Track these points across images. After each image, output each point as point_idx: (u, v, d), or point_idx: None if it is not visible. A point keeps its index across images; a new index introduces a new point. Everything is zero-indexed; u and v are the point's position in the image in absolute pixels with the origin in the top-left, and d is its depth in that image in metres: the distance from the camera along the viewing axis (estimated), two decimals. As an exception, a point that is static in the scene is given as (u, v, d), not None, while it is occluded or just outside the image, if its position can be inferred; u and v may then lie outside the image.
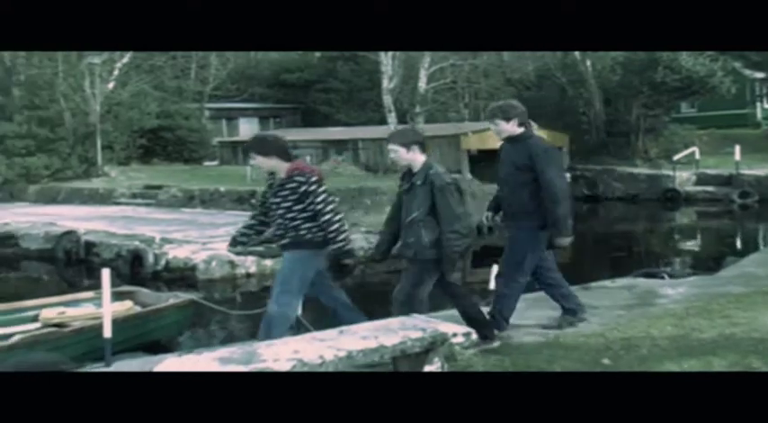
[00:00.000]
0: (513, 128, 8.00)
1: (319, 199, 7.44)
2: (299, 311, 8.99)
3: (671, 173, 35.14)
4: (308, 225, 7.50)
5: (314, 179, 7.47)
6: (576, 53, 39.53)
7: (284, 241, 7.65)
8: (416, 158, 7.45)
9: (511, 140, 8.10)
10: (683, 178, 35.16)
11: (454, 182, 7.46)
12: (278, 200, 7.56)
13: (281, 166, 7.60)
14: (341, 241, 7.55)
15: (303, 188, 7.42)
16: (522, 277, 8.12)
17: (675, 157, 35.82)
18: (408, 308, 7.29)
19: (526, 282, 8.20)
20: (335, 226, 7.45)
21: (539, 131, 37.54)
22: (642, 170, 37.24)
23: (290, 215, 7.51)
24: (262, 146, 7.77)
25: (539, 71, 44.37)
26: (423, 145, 7.55)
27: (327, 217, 7.41)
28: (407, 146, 7.43)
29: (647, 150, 39.51)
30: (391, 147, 7.48)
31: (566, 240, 7.83)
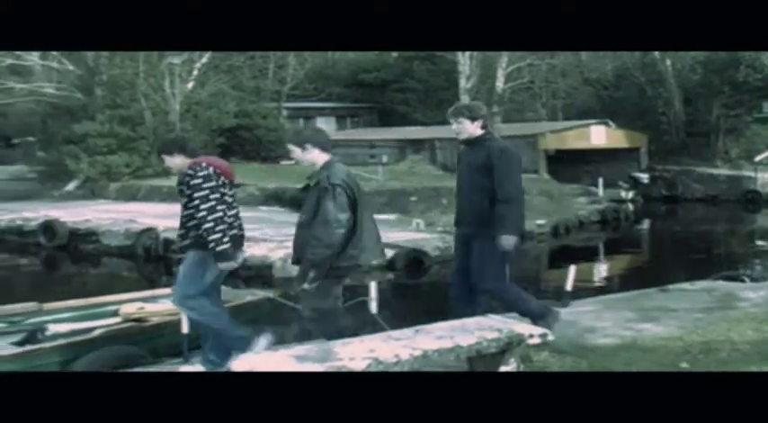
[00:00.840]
0: (475, 129, 7.73)
1: (197, 194, 7.14)
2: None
3: (752, 174, 34.56)
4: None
5: (201, 173, 7.16)
6: (656, 52, 39.04)
7: (184, 243, 7.49)
8: (315, 158, 7.04)
9: (470, 143, 7.83)
10: (765, 179, 34.53)
11: (344, 183, 6.82)
12: (182, 199, 7.43)
13: (184, 163, 7.43)
14: (210, 242, 7.10)
15: (189, 182, 7.22)
16: (502, 281, 7.70)
17: (757, 158, 35.23)
18: (321, 325, 6.99)
19: (507, 278, 7.77)
20: (206, 225, 7.06)
21: (617, 131, 37.38)
22: (722, 171, 36.69)
23: (185, 213, 7.39)
24: (163, 147, 7.78)
25: (617, 71, 43.93)
26: (324, 144, 7.08)
27: (201, 214, 7.10)
28: (301, 145, 7.04)
29: (727, 151, 38.90)
30: (287, 146, 7.17)
31: (510, 240, 7.38)
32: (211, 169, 7.21)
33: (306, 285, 6.80)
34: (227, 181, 7.38)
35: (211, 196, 7.13)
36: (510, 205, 7.42)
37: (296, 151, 7.08)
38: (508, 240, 7.38)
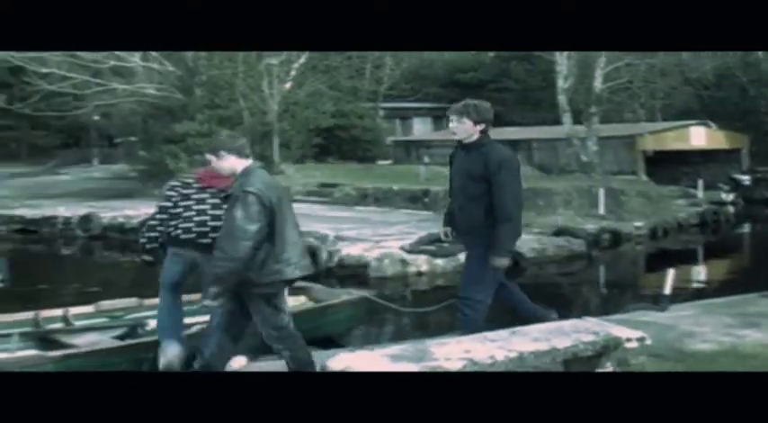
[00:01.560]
0: (475, 131, 7.39)
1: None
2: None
3: None
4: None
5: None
6: (759, 52, 38.24)
7: None
8: (232, 165, 6.75)
9: (466, 147, 7.48)
10: None
11: (259, 192, 6.40)
12: None
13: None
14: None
15: None
16: (483, 296, 7.44)
17: None
18: (284, 343, 6.82)
19: (489, 301, 7.49)
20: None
21: (717, 132, 36.67)
22: (828, 173, 35.78)
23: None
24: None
25: (718, 70, 43.08)
26: (239, 150, 6.81)
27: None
28: (215, 152, 6.83)
29: (832, 152, 37.97)
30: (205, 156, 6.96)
31: (503, 262, 7.26)
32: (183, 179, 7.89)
33: (207, 301, 6.44)
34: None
35: (165, 201, 7.89)
36: (509, 226, 7.22)
37: (212, 159, 6.88)
38: (501, 262, 7.27)
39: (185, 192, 7.81)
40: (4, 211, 28.48)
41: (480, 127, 7.35)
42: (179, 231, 7.77)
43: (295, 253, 6.54)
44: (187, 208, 7.76)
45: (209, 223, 7.65)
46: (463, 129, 7.38)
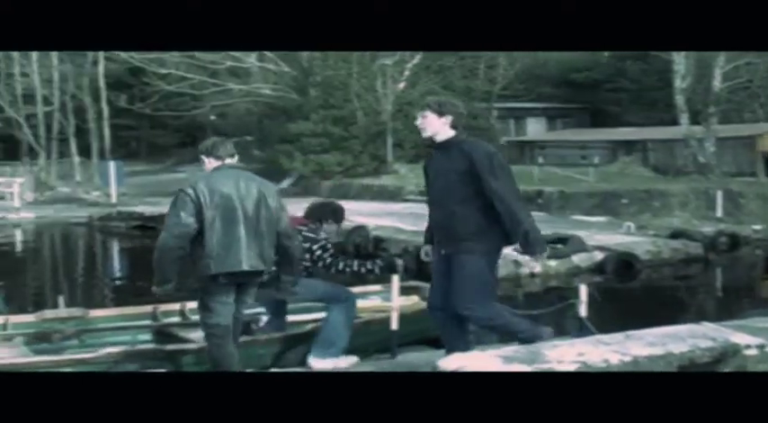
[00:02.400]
0: (442, 127, 6.82)
1: None
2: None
3: None
4: None
5: None
6: None
7: None
8: (209, 167, 7.09)
9: (442, 147, 6.92)
10: None
11: (193, 190, 6.71)
12: None
13: None
14: None
15: None
16: (492, 305, 6.94)
17: None
18: (211, 341, 6.99)
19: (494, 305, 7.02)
20: None
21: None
22: None
23: None
24: None
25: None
26: (216, 154, 7.08)
27: None
28: (202, 155, 7.18)
29: None
30: None
31: (544, 255, 6.91)
32: None
33: (153, 288, 6.85)
34: None
35: None
36: (521, 218, 6.60)
37: (204, 162, 7.18)
38: (543, 256, 7.01)
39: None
40: (124, 208, 29.21)
41: (445, 120, 6.79)
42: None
43: (222, 248, 6.64)
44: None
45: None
46: (427, 123, 6.85)
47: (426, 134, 6.90)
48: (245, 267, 6.71)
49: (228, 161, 7.13)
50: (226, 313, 6.86)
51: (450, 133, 6.82)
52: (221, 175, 6.92)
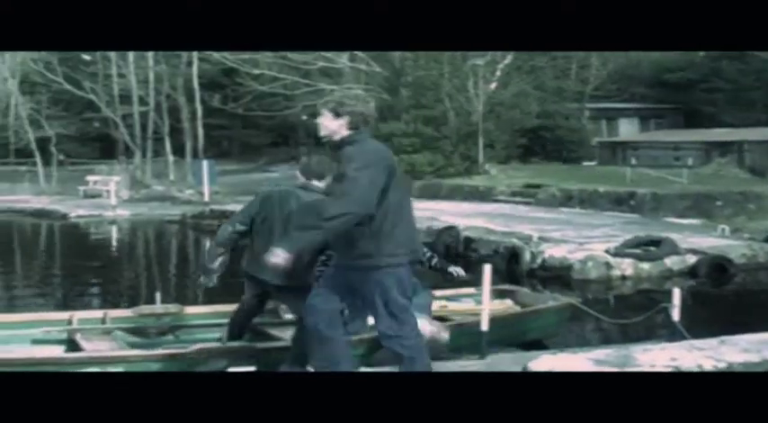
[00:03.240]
0: (339, 128, 6.15)
1: None
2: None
3: None
4: None
5: None
6: None
7: None
8: None
9: (336, 148, 6.24)
10: None
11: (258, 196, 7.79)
12: None
13: None
14: None
15: None
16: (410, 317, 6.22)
17: None
18: None
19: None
20: None
21: None
22: None
23: None
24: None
25: None
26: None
27: None
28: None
29: None
30: None
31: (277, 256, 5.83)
32: None
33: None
34: None
35: None
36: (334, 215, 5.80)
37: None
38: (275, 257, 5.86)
39: None
40: (216, 207, 29.59)
41: (342, 121, 6.14)
42: None
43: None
44: None
45: None
46: (322, 124, 6.25)
47: (322, 134, 6.29)
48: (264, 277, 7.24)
49: (315, 183, 7.44)
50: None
51: (345, 133, 6.16)
52: (288, 192, 7.46)
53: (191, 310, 9.66)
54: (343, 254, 6.20)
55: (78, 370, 6.92)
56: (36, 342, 8.69)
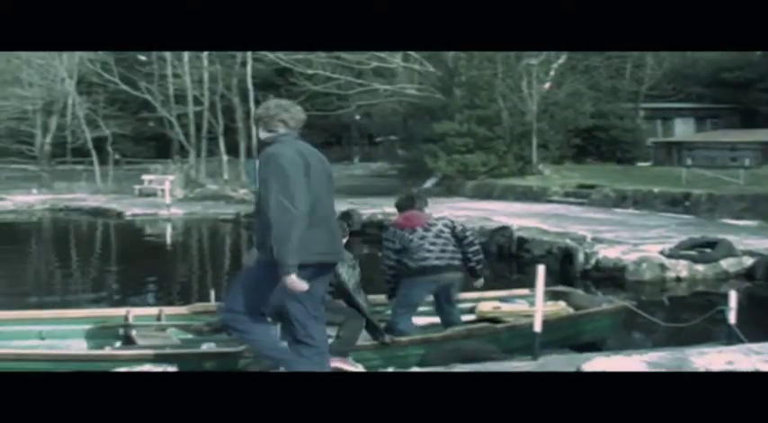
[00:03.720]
0: (261, 133, 6.39)
1: None
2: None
3: None
4: None
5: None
6: None
7: None
8: None
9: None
10: None
11: None
12: None
13: None
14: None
15: None
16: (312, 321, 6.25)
17: None
18: None
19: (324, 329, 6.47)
20: None
21: None
22: None
23: None
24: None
25: None
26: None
27: None
28: None
29: None
30: None
31: (288, 280, 5.85)
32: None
33: None
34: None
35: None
36: (273, 232, 5.87)
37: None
38: (288, 281, 5.87)
39: (408, 237, 9.14)
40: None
41: (262, 127, 6.39)
42: (423, 262, 9.05)
43: None
44: (419, 246, 9.09)
45: (445, 249, 9.15)
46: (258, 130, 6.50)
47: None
48: None
49: None
50: None
51: (264, 135, 6.37)
52: None
53: None
54: (262, 252, 6.19)
55: (131, 367, 7.02)
56: (92, 338, 8.81)
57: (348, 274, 7.94)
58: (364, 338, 8.52)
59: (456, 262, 9.20)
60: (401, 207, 9.54)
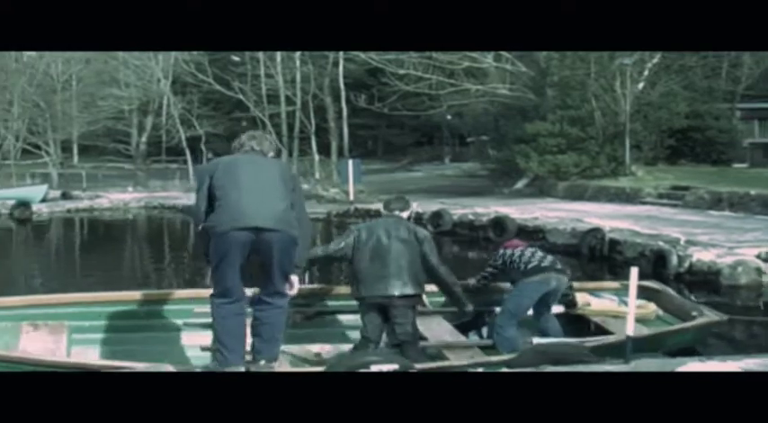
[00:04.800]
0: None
1: None
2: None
3: None
4: None
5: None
6: None
7: None
8: None
9: None
10: None
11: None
12: None
13: None
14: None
15: None
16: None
17: None
18: None
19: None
20: None
21: None
22: None
23: None
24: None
25: None
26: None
27: None
28: None
29: None
30: None
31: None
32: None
33: None
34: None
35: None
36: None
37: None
38: None
39: (512, 256, 9.65)
40: (360, 206, 29.93)
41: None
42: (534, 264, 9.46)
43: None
44: (523, 256, 9.60)
45: (545, 256, 9.68)
46: None
47: None
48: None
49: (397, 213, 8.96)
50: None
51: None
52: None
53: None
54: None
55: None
56: (188, 327, 9.03)
57: (428, 248, 8.58)
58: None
59: (559, 266, 9.54)
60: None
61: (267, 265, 7.02)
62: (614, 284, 10.71)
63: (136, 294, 9.76)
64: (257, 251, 6.96)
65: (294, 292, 7.37)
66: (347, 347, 8.74)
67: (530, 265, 9.39)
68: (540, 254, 9.63)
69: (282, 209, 7.00)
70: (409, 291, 8.31)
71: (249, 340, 7.23)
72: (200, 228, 7.19)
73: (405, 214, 8.91)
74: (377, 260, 8.36)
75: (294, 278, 7.30)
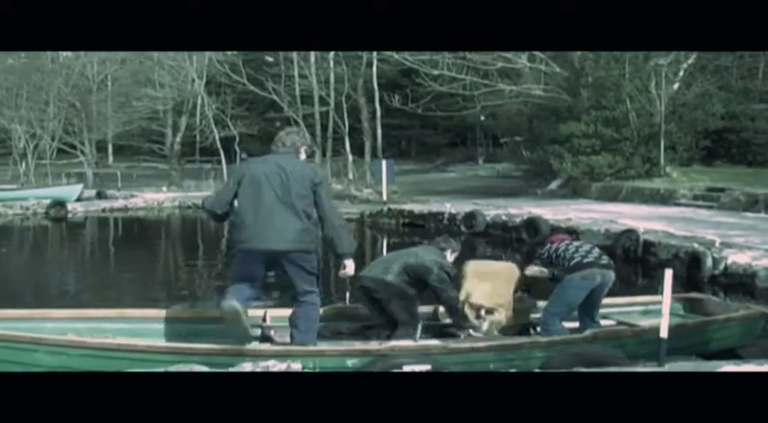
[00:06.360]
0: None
1: None
2: None
3: None
4: None
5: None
6: None
7: None
8: None
9: None
10: None
11: None
12: None
13: None
14: None
15: None
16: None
17: None
18: None
19: None
20: None
21: None
22: None
23: None
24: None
25: None
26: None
27: None
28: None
29: None
30: None
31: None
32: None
33: None
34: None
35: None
36: None
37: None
38: None
39: (557, 251, 9.76)
40: (394, 206, 29.92)
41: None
42: (576, 260, 9.54)
43: None
44: (567, 252, 9.68)
45: (590, 251, 9.78)
46: None
47: None
48: None
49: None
50: None
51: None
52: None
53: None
54: None
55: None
56: (225, 335, 8.96)
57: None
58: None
59: (604, 261, 9.63)
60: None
61: (288, 277, 8.13)
62: (657, 298, 10.61)
63: (180, 310, 10.09)
64: (273, 267, 8.12)
65: (351, 272, 8.35)
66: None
67: (573, 261, 9.45)
68: (584, 248, 9.71)
69: (298, 229, 7.90)
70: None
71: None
72: (205, 206, 8.48)
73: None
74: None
75: (348, 262, 8.30)
